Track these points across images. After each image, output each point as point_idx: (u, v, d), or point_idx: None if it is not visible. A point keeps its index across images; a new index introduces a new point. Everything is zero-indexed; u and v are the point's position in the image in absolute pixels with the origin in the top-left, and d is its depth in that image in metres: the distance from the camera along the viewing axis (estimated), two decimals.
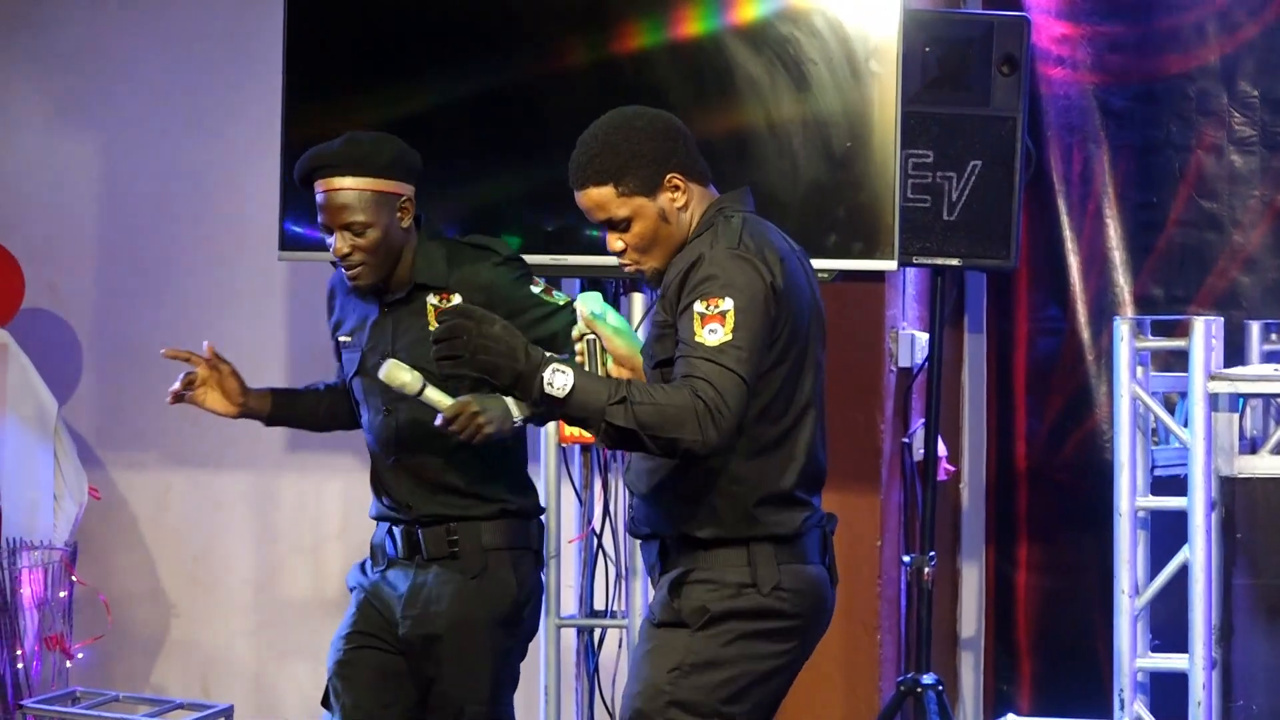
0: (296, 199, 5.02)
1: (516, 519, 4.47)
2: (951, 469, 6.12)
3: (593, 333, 3.79)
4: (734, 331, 3.57)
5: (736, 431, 3.58)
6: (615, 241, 3.79)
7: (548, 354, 3.60)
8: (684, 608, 3.70)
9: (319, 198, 4.38)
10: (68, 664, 6.09)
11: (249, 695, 6.25)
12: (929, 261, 5.56)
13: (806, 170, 5.03)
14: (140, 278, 6.35)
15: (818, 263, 4.99)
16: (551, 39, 5.12)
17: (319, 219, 4.39)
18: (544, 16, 5.13)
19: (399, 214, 4.39)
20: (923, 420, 5.82)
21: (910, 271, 5.98)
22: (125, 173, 6.38)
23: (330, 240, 4.38)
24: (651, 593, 3.87)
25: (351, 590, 4.60)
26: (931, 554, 5.63)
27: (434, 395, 4.15)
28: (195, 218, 6.31)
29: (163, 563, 6.38)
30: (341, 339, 4.56)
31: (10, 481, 6.00)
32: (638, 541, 5.10)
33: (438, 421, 4.12)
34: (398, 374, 4.16)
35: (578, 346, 3.77)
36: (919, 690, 5.51)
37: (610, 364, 3.79)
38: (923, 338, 5.94)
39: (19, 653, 5.93)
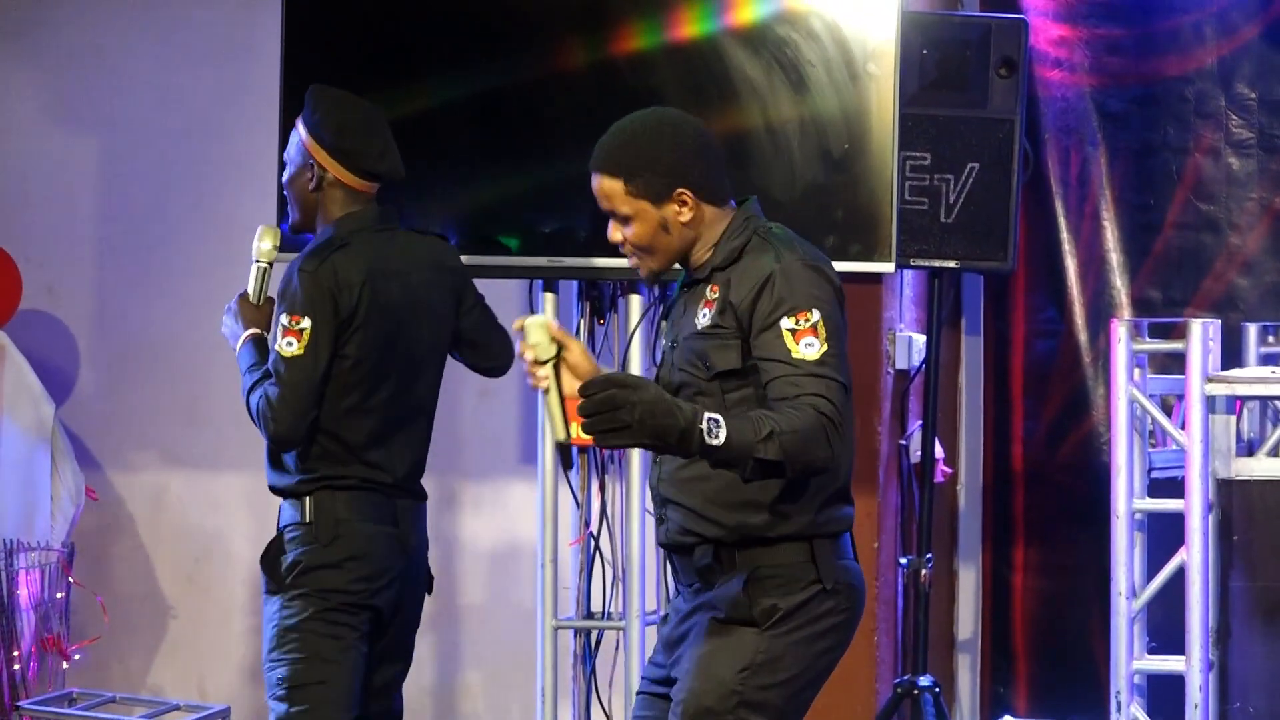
0: None
1: (298, 499, 4.48)
2: (948, 471, 6.12)
3: (557, 352, 3.59)
4: (828, 340, 3.59)
5: None
6: (615, 232, 3.78)
7: (690, 405, 3.49)
8: (756, 606, 3.69)
9: None
10: (65, 665, 6.09)
11: (246, 697, 6.24)
12: (926, 264, 5.56)
13: (804, 172, 5.03)
14: (138, 278, 6.34)
15: None
16: (550, 41, 5.12)
17: None
18: (543, 18, 5.12)
19: (308, 171, 4.55)
20: (920, 422, 5.82)
21: (908, 273, 5.97)
22: (123, 173, 6.37)
23: None
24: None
25: None
26: (928, 556, 5.63)
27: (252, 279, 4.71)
28: (193, 218, 6.31)
29: (160, 564, 6.38)
30: None
31: (7, 483, 6.00)
32: (637, 546, 5.12)
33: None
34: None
35: (540, 372, 3.58)
36: (916, 692, 5.52)
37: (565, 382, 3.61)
38: (920, 340, 5.94)
39: (16, 654, 5.93)
